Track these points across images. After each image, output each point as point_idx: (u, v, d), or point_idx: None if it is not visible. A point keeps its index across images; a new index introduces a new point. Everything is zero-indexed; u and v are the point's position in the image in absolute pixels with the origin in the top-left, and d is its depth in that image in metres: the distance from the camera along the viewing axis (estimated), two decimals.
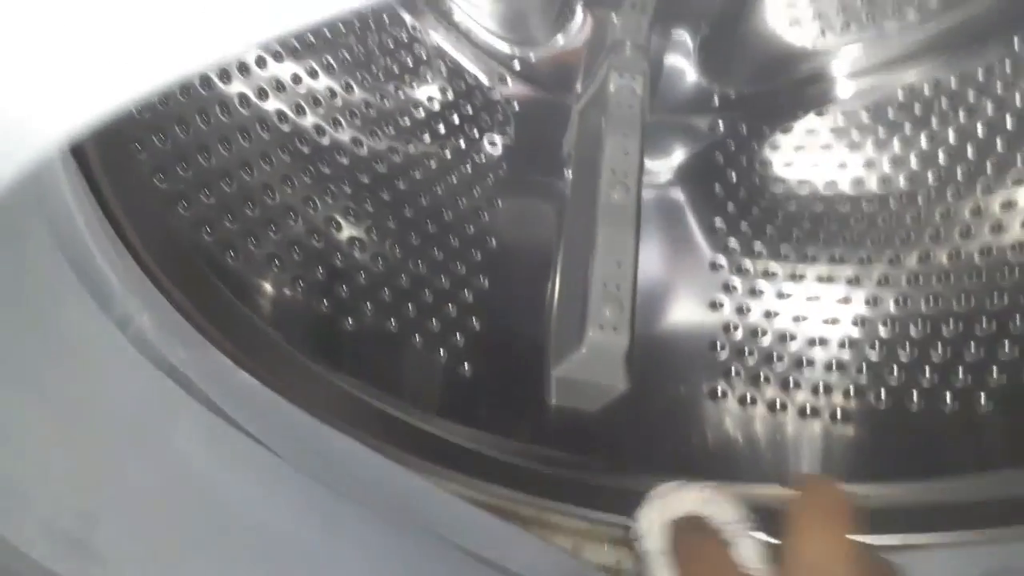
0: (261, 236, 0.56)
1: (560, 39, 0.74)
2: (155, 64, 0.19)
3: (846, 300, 0.65)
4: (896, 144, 0.70)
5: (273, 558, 0.44)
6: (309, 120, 0.62)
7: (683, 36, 0.73)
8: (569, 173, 0.71)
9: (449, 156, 0.70)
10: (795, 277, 0.68)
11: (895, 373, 0.60)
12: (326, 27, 0.64)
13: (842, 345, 0.63)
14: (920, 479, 0.51)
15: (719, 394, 0.63)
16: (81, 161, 0.40)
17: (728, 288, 0.69)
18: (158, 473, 0.41)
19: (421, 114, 0.70)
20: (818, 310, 0.66)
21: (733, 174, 0.75)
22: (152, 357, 0.41)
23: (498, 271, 0.66)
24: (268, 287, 0.55)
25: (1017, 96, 0.65)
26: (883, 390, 0.59)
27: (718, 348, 0.65)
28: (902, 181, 0.68)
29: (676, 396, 0.63)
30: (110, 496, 0.38)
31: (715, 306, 0.68)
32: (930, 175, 0.66)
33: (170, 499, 0.41)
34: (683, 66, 0.75)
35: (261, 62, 0.59)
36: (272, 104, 0.59)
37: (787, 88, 0.77)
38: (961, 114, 0.67)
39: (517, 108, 0.75)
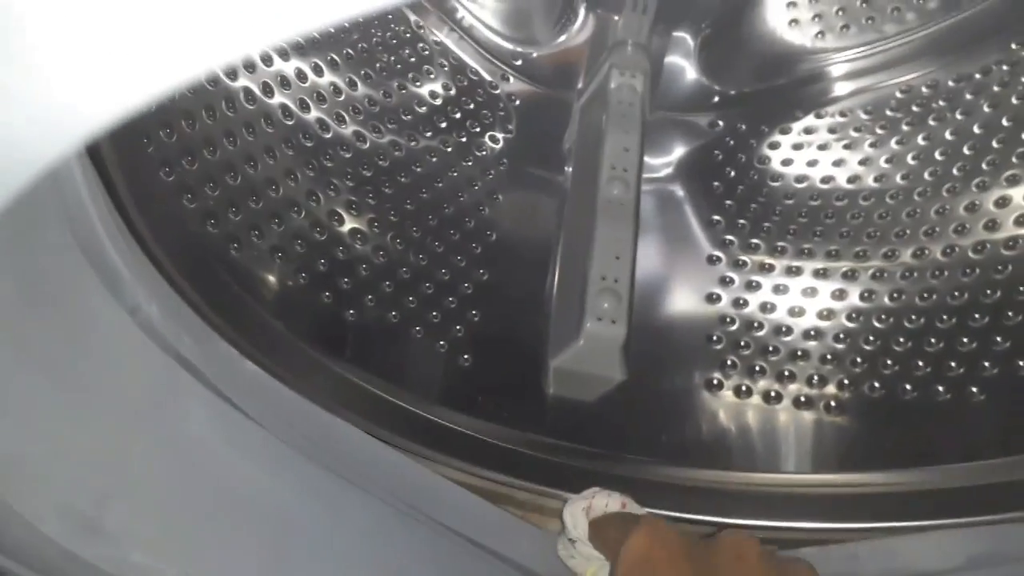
0: (265, 229, 0.57)
1: (562, 38, 0.75)
2: (174, 64, 0.20)
3: (842, 294, 0.66)
4: (893, 142, 0.70)
5: (277, 538, 0.45)
6: (313, 115, 0.63)
7: (684, 36, 0.74)
8: (569, 168, 0.72)
9: (451, 151, 0.71)
10: (792, 271, 0.68)
11: (889, 364, 0.60)
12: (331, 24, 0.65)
13: (837, 337, 0.64)
14: (910, 467, 0.52)
15: (715, 384, 0.64)
16: (94, 155, 0.41)
17: (725, 281, 0.70)
18: (168, 456, 0.42)
19: (423, 110, 0.71)
20: (814, 303, 0.66)
21: (732, 171, 0.75)
22: (161, 344, 0.42)
23: (498, 264, 0.67)
24: (272, 279, 0.56)
25: (1013, 97, 0.65)
26: (876, 381, 0.60)
27: (715, 340, 0.66)
28: (898, 178, 0.68)
29: (673, 386, 0.64)
30: (122, 477, 0.39)
31: (712, 299, 0.69)
32: (926, 173, 0.67)
33: (179, 481, 0.42)
34: (684, 65, 0.76)
35: (267, 59, 0.60)
36: (277, 99, 0.61)
37: (786, 87, 0.78)
38: (958, 114, 0.68)
39: (519, 104, 0.76)
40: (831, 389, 0.61)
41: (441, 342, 0.62)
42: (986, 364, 0.56)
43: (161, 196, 0.50)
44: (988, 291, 0.59)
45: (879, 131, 0.72)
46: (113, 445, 0.39)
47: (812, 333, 0.65)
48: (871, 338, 0.62)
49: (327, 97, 0.65)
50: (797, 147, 0.75)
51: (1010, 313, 0.57)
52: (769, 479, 0.56)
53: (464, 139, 0.72)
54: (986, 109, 0.67)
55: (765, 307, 0.67)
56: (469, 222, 0.69)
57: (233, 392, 0.45)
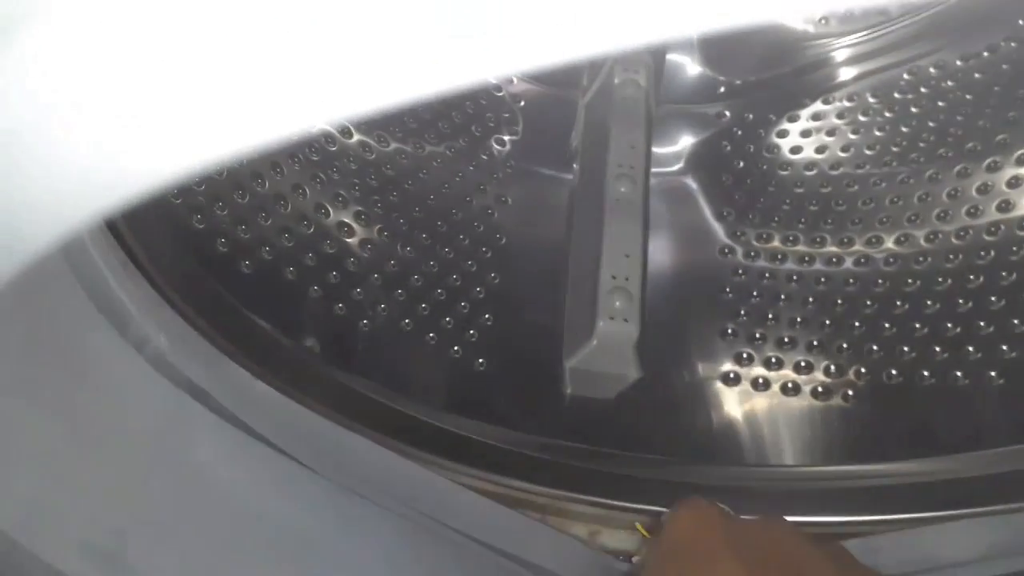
0: (275, 244, 0.58)
1: None
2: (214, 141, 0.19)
3: (856, 280, 0.65)
4: (902, 125, 0.70)
5: (296, 557, 0.46)
6: (318, 129, 0.64)
7: None
8: (577, 168, 0.72)
9: (456, 156, 0.71)
10: (805, 260, 0.68)
11: (906, 351, 0.60)
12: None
13: (853, 326, 0.63)
14: (929, 456, 0.52)
15: (732, 378, 0.64)
16: None
17: (738, 273, 0.69)
18: (182, 485, 0.42)
19: (428, 116, 0.71)
20: (828, 292, 0.66)
21: (741, 161, 0.75)
22: (170, 375, 0.43)
23: (509, 267, 0.67)
24: (283, 294, 0.57)
25: (1022, 76, 0.65)
26: (894, 368, 0.60)
27: (729, 333, 0.66)
28: (909, 162, 0.68)
29: (689, 382, 0.64)
30: (139, 510, 0.40)
31: (726, 291, 0.69)
32: (937, 155, 0.67)
33: (196, 509, 0.42)
34: (687, 57, 0.76)
35: None
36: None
37: (792, 75, 0.77)
38: (966, 95, 0.68)
39: (523, 105, 0.76)
40: (849, 378, 0.61)
41: (455, 347, 0.62)
42: (1004, 348, 0.56)
43: (165, 220, 0.51)
44: (1004, 273, 0.59)
45: (888, 114, 0.71)
46: (128, 480, 0.39)
47: (828, 322, 0.64)
48: (887, 324, 0.62)
49: None
50: (805, 134, 0.74)
51: None
52: (789, 473, 0.56)
53: (469, 144, 0.72)
54: (995, 88, 0.66)
55: (779, 298, 0.67)
56: (478, 226, 0.69)
57: (245, 414, 0.45)
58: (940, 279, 0.62)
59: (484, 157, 0.73)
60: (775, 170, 0.74)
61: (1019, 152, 0.62)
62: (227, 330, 0.48)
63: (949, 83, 0.69)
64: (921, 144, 0.68)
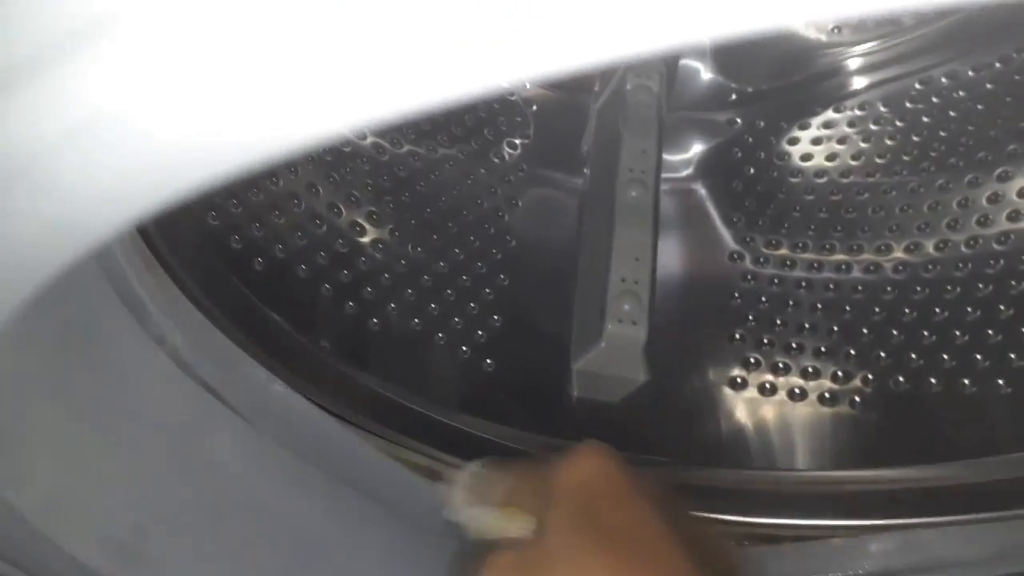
0: (288, 242, 0.58)
1: None
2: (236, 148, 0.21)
3: (865, 288, 0.65)
4: (913, 135, 0.70)
5: (308, 557, 0.46)
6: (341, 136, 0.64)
7: None
8: (587, 172, 0.72)
9: (468, 159, 0.72)
10: (814, 267, 0.68)
11: (914, 358, 0.60)
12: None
13: (861, 332, 0.64)
14: (936, 462, 0.52)
15: (739, 383, 0.64)
16: None
17: (747, 279, 0.70)
18: (201, 483, 0.43)
19: (440, 119, 0.71)
20: (837, 299, 0.66)
21: (751, 168, 0.75)
22: (189, 371, 0.43)
23: (519, 269, 0.68)
24: (295, 291, 0.57)
25: None
26: (901, 375, 0.60)
27: (738, 338, 0.66)
28: (920, 171, 0.68)
29: (696, 386, 0.64)
30: (159, 506, 0.40)
31: (734, 297, 0.69)
32: (948, 164, 0.67)
33: (213, 506, 0.43)
34: (700, 63, 0.76)
35: None
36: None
37: (804, 83, 0.77)
38: (978, 105, 0.68)
39: (535, 110, 0.76)
40: (856, 384, 0.61)
41: (464, 348, 0.63)
42: (1012, 356, 0.56)
43: (184, 216, 0.51)
44: (1013, 282, 0.59)
45: (899, 124, 0.72)
46: (149, 476, 0.40)
47: (835, 329, 0.65)
48: (895, 332, 0.62)
49: None
50: (816, 142, 0.74)
51: None
52: (794, 477, 0.56)
53: (481, 147, 0.73)
54: (1007, 99, 0.66)
55: (787, 304, 0.67)
56: (489, 228, 0.69)
57: (260, 416, 0.46)
58: (949, 287, 0.62)
59: (496, 160, 0.73)
60: (785, 177, 0.74)
61: None
62: (244, 325, 0.48)
63: (960, 93, 0.69)
64: (932, 153, 0.68)
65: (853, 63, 0.75)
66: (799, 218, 0.71)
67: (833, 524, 0.50)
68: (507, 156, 0.74)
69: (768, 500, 0.54)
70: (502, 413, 0.59)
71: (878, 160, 0.71)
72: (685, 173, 0.77)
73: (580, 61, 0.18)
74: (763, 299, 0.68)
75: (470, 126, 0.73)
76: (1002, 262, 0.60)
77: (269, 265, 0.56)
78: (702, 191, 0.76)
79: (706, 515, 0.53)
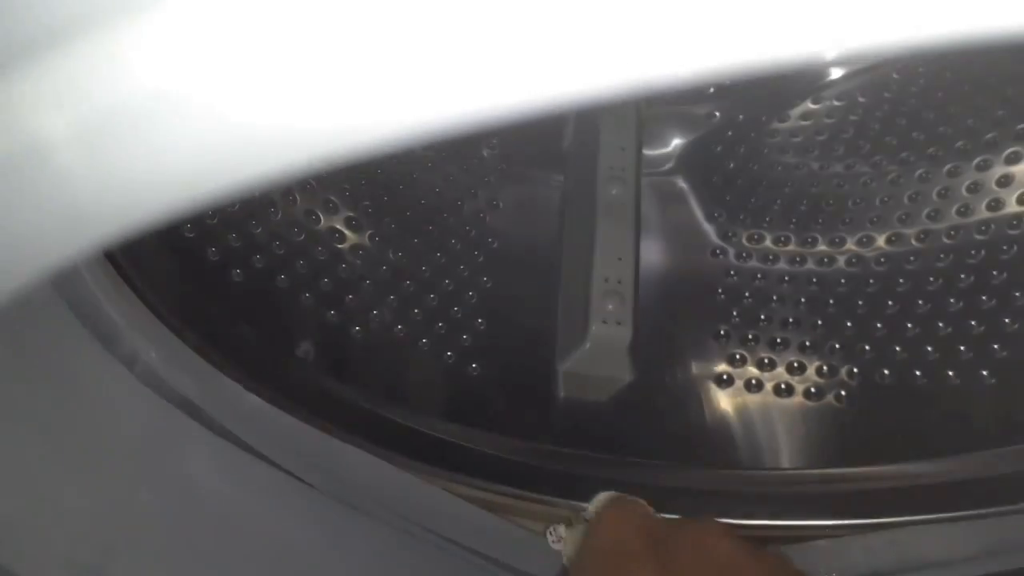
0: (266, 251, 0.58)
1: None
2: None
3: (848, 280, 0.65)
4: (892, 125, 0.70)
5: (284, 572, 0.46)
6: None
7: None
8: (568, 171, 0.72)
9: (447, 159, 0.71)
10: (796, 261, 0.68)
11: (898, 351, 0.60)
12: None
13: (845, 325, 0.64)
14: (921, 459, 0.52)
15: (725, 380, 0.64)
16: None
17: (730, 274, 0.69)
18: (170, 499, 0.42)
19: None
20: (820, 292, 0.66)
21: (731, 162, 0.75)
22: (159, 389, 0.42)
23: (501, 271, 0.67)
24: (275, 302, 0.57)
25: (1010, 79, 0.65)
26: (887, 368, 0.60)
27: (722, 335, 0.66)
28: (899, 161, 0.68)
29: (682, 384, 0.64)
30: (126, 527, 0.39)
31: (718, 293, 0.69)
32: (927, 154, 0.67)
33: (183, 524, 0.42)
34: None
35: None
36: None
37: (782, 75, 0.77)
38: (957, 94, 0.68)
39: None
40: (842, 378, 0.61)
41: (448, 353, 0.62)
42: (996, 346, 0.56)
43: (160, 230, 0.50)
44: (995, 272, 0.59)
45: (877, 114, 0.71)
46: (115, 496, 0.39)
47: (820, 323, 0.65)
48: (879, 325, 0.62)
49: None
50: (795, 134, 0.74)
51: (1017, 294, 0.57)
52: (780, 476, 0.56)
53: (460, 146, 0.72)
54: (987, 88, 0.66)
55: (771, 299, 0.67)
56: (470, 230, 0.69)
57: (237, 428, 0.45)
58: (931, 279, 0.62)
59: (475, 160, 0.72)
60: (765, 170, 0.74)
61: (1008, 150, 0.62)
62: (219, 342, 0.47)
63: (938, 84, 0.69)
64: (911, 143, 0.68)
65: (831, 55, 0.75)
66: (780, 211, 0.71)
67: (820, 524, 0.51)
68: (486, 156, 0.73)
69: (755, 500, 0.55)
70: (487, 418, 0.58)
71: (858, 151, 0.71)
72: (665, 168, 0.76)
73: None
74: (747, 294, 0.68)
75: None
76: (983, 252, 0.60)
77: (248, 276, 0.56)
78: (683, 186, 0.76)
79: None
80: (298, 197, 0.61)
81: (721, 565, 0.38)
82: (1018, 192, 0.60)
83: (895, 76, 0.72)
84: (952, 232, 0.62)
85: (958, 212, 0.63)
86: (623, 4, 0.16)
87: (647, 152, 0.72)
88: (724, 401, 0.63)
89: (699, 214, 0.74)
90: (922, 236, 0.64)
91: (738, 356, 0.65)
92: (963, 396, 0.55)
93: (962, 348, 0.57)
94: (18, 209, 0.21)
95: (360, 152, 0.18)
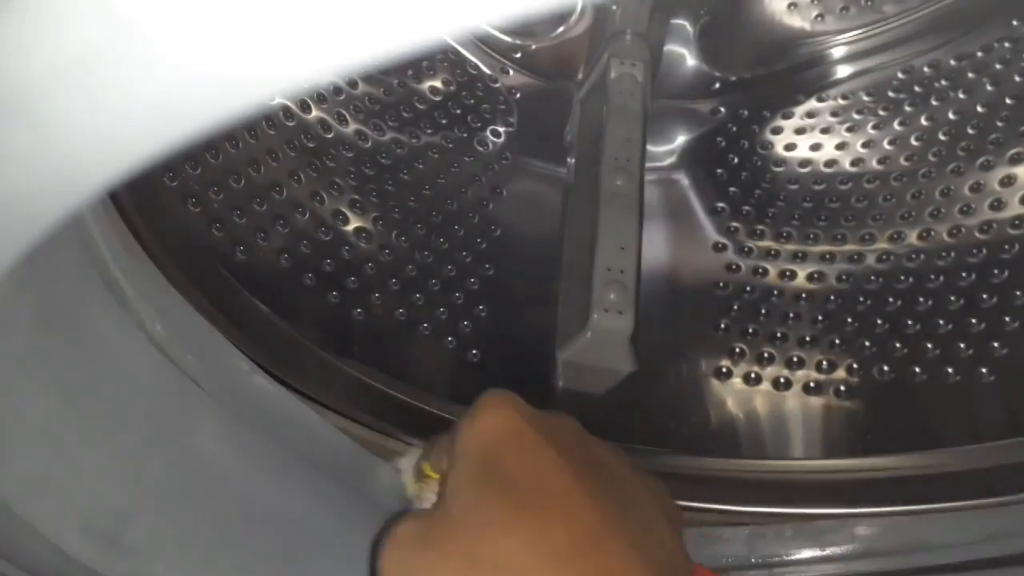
0: (270, 231, 0.57)
1: (560, 29, 0.74)
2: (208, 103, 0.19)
3: (849, 277, 0.66)
4: (896, 124, 0.70)
5: (288, 545, 0.46)
6: (314, 115, 0.63)
7: (683, 23, 0.74)
8: (572, 161, 0.72)
9: (452, 147, 0.71)
10: (798, 257, 0.68)
11: (898, 347, 0.60)
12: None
13: (845, 322, 0.64)
14: (921, 450, 0.52)
15: (724, 373, 0.64)
16: None
17: (731, 269, 0.69)
18: (182, 470, 0.42)
19: (424, 106, 0.71)
20: (821, 289, 0.66)
21: (735, 157, 0.75)
22: (172, 356, 0.42)
23: (503, 259, 0.67)
24: (279, 281, 0.57)
25: (1016, 75, 0.65)
26: (886, 364, 0.60)
27: (722, 328, 0.66)
28: (902, 160, 0.68)
29: (681, 376, 0.64)
30: (140, 493, 0.39)
31: (719, 286, 0.69)
32: (930, 154, 0.67)
33: (194, 494, 0.42)
34: (683, 52, 0.76)
35: None
36: (278, 101, 0.61)
37: (787, 72, 0.77)
38: (960, 93, 0.68)
39: (519, 97, 0.76)
40: (840, 374, 0.61)
41: (449, 338, 0.62)
42: (995, 344, 0.56)
43: (166, 202, 0.51)
44: (996, 271, 0.59)
45: (882, 113, 0.72)
46: (130, 462, 0.39)
47: (820, 318, 0.65)
48: (879, 321, 0.62)
49: (327, 96, 0.65)
50: (800, 131, 0.74)
51: (1018, 293, 0.57)
52: (780, 466, 0.56)
53: (465, 134, 0.72)
54: (988, 88, 0.67)
55: (771, 294, 0.67)
56: (473, 217, 0.69)
57: (239, 404, 0.45)
58: (932, 276, 0.62)
59: (480, 148, 0.72)
60: (769, 167, 0.74)
61: (1012, 151, 0.62)
62: (228, 311, 0.47)
63: (943, 82, 0.70)
64: (914, 143, 0.68)
65: (836, 52, 0.75)
66: (783, 208, 0.71)
67: (819, 512, 0.51)
68: (491, 144, 0.73)
69: (754, 488, 0.55)
70: None
71: (861, 149, 0.71)
72: (668, 162, 0.77)
73: None
74: (747, 288, 0.68)
75: (454, 113, 0.72)
76: (984, 251, 0.61)
77: (251, 255, 0.56)
78: (685, 181, 0.76)
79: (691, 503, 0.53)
80: (303, 178, 0.61)
81: (594, 451, 0.37)
82: (1020, 193, 0.61)
83: (900, 76, 0.72)
84: (954, 231, 0.63)
85: (960, 211, 0.63)
86: None
87: (650, 146, 0.72)
88: (723, 394, 0.63)
89: (701, 208, 0.74)
90: (924, 235, 0.64)
91: (738, 350, 0.65)
92: (963, 392, 0.55)
93: (962, 345, 0.58)
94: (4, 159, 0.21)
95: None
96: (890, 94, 0.72)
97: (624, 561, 0.32)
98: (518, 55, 0.76)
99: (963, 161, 0.65)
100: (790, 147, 0.74)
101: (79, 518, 0.36)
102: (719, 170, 0.75)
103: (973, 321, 0.58)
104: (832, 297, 0.65)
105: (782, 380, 0.63)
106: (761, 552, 0.50)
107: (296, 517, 0.46)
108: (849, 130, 0.72)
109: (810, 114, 0.75)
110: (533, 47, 0.75)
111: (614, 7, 0.71)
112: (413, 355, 0.61)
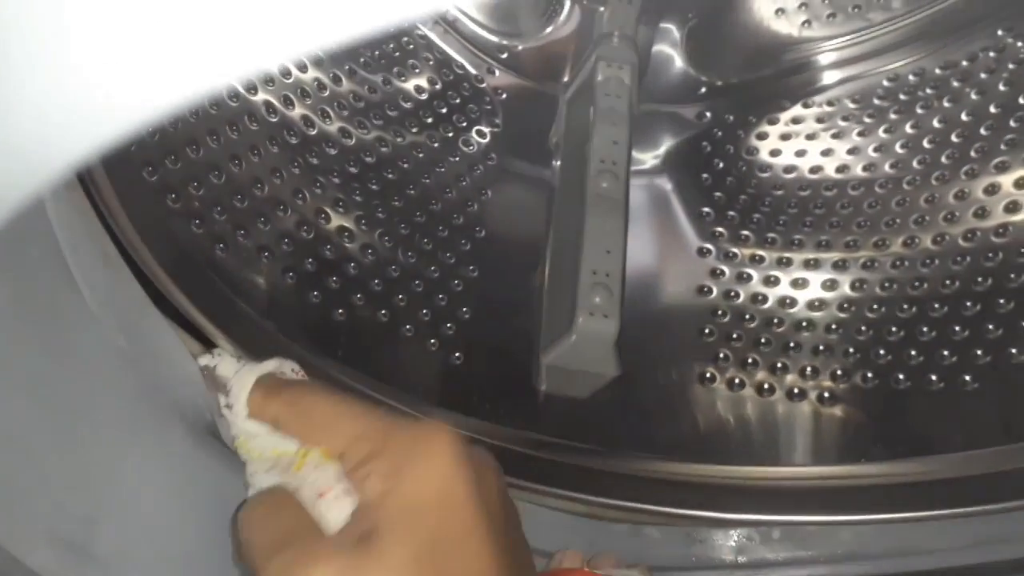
0: (251, 228, 0.56)
1: (548, 30, 0.74)
2: (179, 84, 0.19)
3: (833, 284, 0.66)
4: (881, 131, 0.70)
5: None
6: (297, 112, 0.62)
7: (670, 26, 0.74)
8: (557, 163, 0.71)
9: (437, 146, 0.70)
10: (782, 262, 0.68)
11: (882, 354, 0.60)
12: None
13: (829, 328, 0.64)
14: (908, 457, 0.52)
15: (708, 378, 0.64)
16: None
17: (716, 274, 0.69)
18: (154, 473, 0.41)
19: (409, 105, 0.70)
20: (805, 294, 0.66)
21: (720, 162, 0.75)
22: (140, 358, 0.41)
23: (488, 260, 0.66)
24: (259, 279, 0.55)
25: (1000, 84, 0.65)
26: (870, 371, 0.60)
27: (706, 333, 0.66)
28: (887, 167, 0.68)
29: (665, 381, 0.64)
30: (109, 499, 0.38)
31: (703, 291, 0.68)
32: (915, 161, 0.67)
33: (167, 497, 0.41)
34: (670, 56, 0.76)
35: None
36: (260, 96, 0.60)
37: (773, 77, 0.78)
38: (945, 101, 0.68)
39: (505, 98, 0.75)
40: (825, 380, 0.61)
41: (432, 340, 0.61)
42: (979, 352, 0.56)
43: (144, 197, 0.49)
44: (979, 279, 0.60)
45: (867, 120, 0.72)
46: (98, 466, 0.37)
47: (804, 324, 0.65)
48: (863, 328, 0.62)
49: (311, 93, 0.64)
50: (785, 137, 0.74)
51: (1001, 301, 0.58)
52: (764, 472, 0.56)
53: (450, 134, 0.71)
54: (973, 96, 0.67)
55: (756, 299, 0.67)
56: (458, 218, 0.68)
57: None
58: (916, 283, 0.62)
59: (465, 148, 0.72)
60: (754, 172, 0.74)
61: (996, 159, 0.62)
62: (207, 309, 0.46)
63: (928, 90, 0.70)
64: (899, 150, 0.69)
65: (823, 58, 0.76)
66: (768, 213, 0.71)
67: (808, 520, 0.50)
68: (476, 144, 0.72)
69: (736, 495, 0.54)
70: (470, 407, 0.58)
71: (846, 156, 0.71)
72: (653, 166, 0.76)
73: None
74: (732, 294, 0.68)
75: (439, 112, 0.72)
76: (968, 259, 0.61)
77: (232, 252, 0.54)
78: (670, 185, 0.76)
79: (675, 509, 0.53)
80: (285, 175, 0.60)
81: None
82: (1004, 202, 0.61)
83: (885, 83, 0.73)
84: (938, 239, 0.63)
85: (944, 219, 0.63)
86: None
87: (635, 151, 0.71)
88: (707, 400, 0.63)
89: (686, 213, 0.74)
90: (909, 242, 0.64)
91: (722, 355, 0.65)
92: (952, 398, 0.56)
93: (945, 353, 0.58)
94: None
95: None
96: (876, 101, 0.72)
97: None
98: (504, 55, 0.75)
99: (948, 169, 0.65)
100: (775, 153, 0.74)
101: (44, 526, 0.34)
102: (704, 175, 0.75)
103: (956, 328, 0.58)
104: (816, 303, 0.65)
105: (766, 386, 0.62)
106: (748, 554, 0.50)
107: None
108: (834, 137, 0.72)
109: (796, 120, 0.75)
110: (520, 47, 0.75)
111: (602, 9, 0.70)
112: (396, 357, 0.60)
